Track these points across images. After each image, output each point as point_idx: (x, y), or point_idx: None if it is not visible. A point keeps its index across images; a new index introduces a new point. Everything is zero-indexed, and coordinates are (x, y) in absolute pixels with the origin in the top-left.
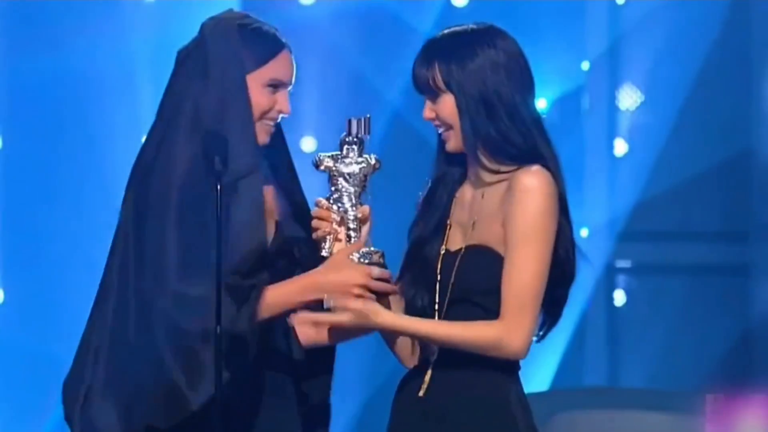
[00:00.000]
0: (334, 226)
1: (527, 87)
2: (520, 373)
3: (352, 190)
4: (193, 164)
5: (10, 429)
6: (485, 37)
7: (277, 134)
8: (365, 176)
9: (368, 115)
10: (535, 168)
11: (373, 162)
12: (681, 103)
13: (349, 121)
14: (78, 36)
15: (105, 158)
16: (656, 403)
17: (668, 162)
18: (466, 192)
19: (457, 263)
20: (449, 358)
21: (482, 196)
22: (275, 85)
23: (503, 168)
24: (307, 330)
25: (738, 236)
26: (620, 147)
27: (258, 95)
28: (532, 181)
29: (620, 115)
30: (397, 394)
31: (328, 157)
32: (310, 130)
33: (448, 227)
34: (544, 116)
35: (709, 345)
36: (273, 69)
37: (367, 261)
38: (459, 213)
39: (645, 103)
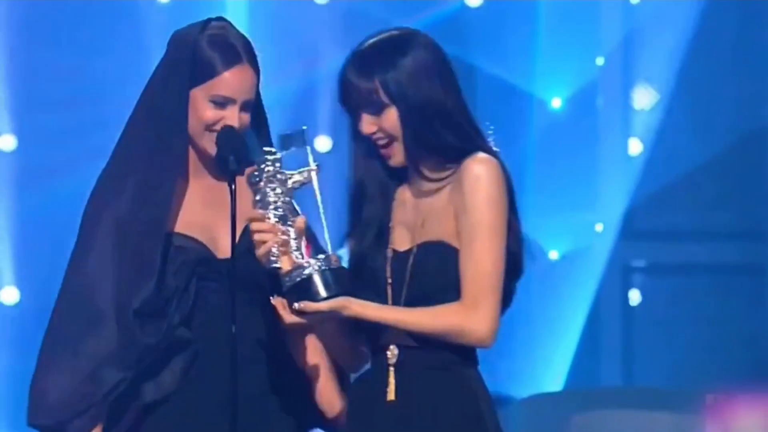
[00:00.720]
0: (280, 237)
1: (456, 86)
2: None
3: (288, 200)
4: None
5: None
6: (413, 41)
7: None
8: (302, 185)
9: (304, 127)
10: (482, 155)
11: (315, 169)
12: (697, 101)
13: (283, 138)
14: (94, 36)
15: None
16: (669, 403)
17: (684, 160)
18: (407, 192)
19: (410, 263)
20: (412, 358)
21: (429, 194)
22: (220, 102)
23: (445, 174)
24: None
25: (755, 235)
26: (635, 145)
27: (203, 109)
28: (481, 168)
29: (635, 114)
30: (354, 401)
31: (265, 173)
32: (324, 130)
33: (391, 229)
34: (558, 113)
35: (726, 345)
36: (218, 85)
37: (327, 266)
38: (401, 214)
39: (660, 100)
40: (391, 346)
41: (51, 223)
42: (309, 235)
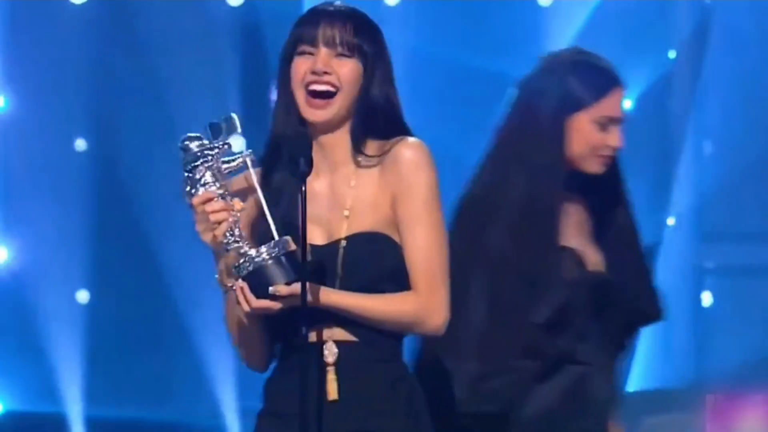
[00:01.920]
0: (235, 215)
1: (389, 65)
2: None
3: (225, 185)
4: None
5: (97, 429)
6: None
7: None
8: (236, 172)
9: (233, 114)
10: (413, 139)
11: (249, 156)
12: None
13: (212, 126)
14: (166, 39)
15: None
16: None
17: (756, 161)
18: (316, 184)
19: (341, 256)
20: (351, 354)
21: (351, 184)
22: (605, 123)
23: (370, 160)
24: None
25: None
26: (708, 146)
27: (588, 132)
28: (417, 153)
29: (707, 114)
30: (283, 402)
31: (202, 157)
32: None
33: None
34: (629, 114)
35: None
36: (604, 107)
37: (286, 249)
38: (311, 208)
39: (733, 99)
40: (329, 344)
41: (123, 224)
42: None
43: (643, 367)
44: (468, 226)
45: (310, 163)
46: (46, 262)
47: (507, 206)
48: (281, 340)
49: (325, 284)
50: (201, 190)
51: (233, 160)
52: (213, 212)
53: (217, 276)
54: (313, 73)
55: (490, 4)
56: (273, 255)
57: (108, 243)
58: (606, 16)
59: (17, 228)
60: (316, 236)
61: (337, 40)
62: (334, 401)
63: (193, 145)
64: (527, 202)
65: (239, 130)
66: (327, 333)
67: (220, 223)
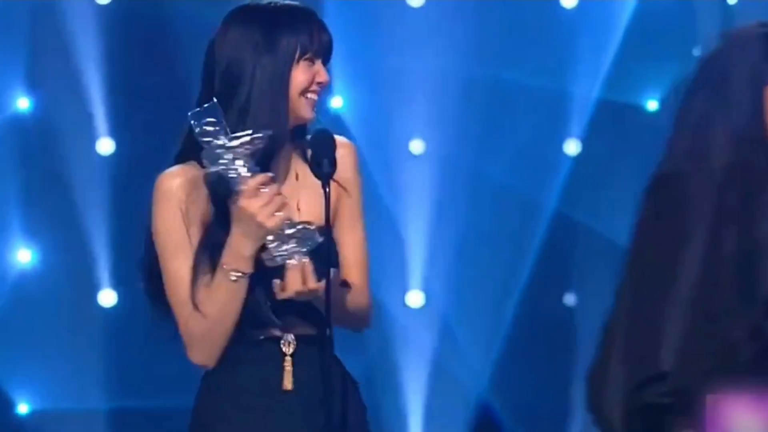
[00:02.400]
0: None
1: None
2: None
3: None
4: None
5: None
6: None
7: None
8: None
9: (215, 100)
10: (344, 138)
11: (261, 135)
12: None
13: (196, 114)
14: (189, 38)
15: None
16: None
17: None
18: (282, 170)
19: None
20: (308, 348)
21: (296, 177)
22: None
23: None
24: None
25: None
26: None
27: None
28: (353, 152)
29: None
30: (243, 390)
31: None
32: (418, 133)
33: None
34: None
35: None
36: None
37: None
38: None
39: None
40: (288, 336)
41: (148, 225)
42: None
43: None
44: (672, 202)
45: (333, 164)
46: (70, 263)
47: (715, 178)
48: (248, 331)
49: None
50: (249, 174)
51: (260, 141)
52: (277, 193)
53: (227, 262)
54: (319, 83)
55: (514, 5)
56: (314, 245)
57: (132, 243)
58: (630, 17)
59: (41, 230)
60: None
61: (331, 53)
62: (287, 391)
63: (216, 132)
64: (738, 172)
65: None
66: (287, 327)
67: (285, 203)
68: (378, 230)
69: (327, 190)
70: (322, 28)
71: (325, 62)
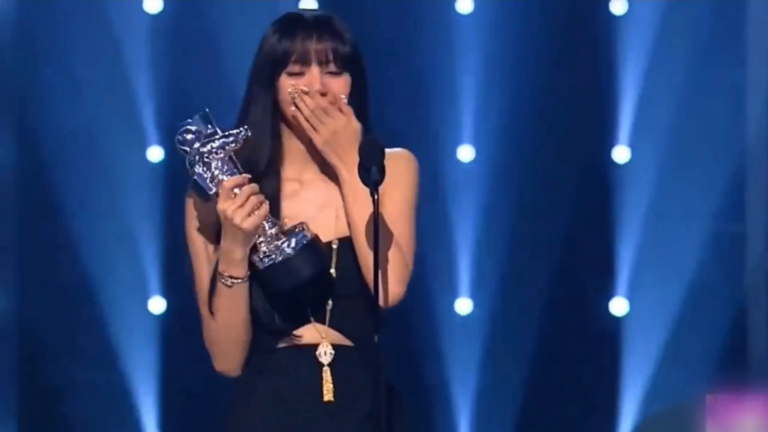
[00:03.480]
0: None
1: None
2: None
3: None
4: None
5: None
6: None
7: None
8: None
9: (206, 110)
10: (403, 151)
11: (246, 133)
12: None
13: (202, 116)
14: (239, 46)
15: None
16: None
17: None
18: (294, 183)
19: (334, 257)
20: (346, 357)
21: (331, 184)
22: None
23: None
24: None
25: None
26: None
27: None
28: (408, 162)
29: None
30: (278, 399)
31: (210, 148)
32: (468, 139)
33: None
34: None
35: None
36: None
37: (308, 237)
38: (302, 207)
39: None
40: (324, 345)
41: None
42: None
43: None
44: None
45: (382, 172)
46: (118, 271)
47: None
48: (276, 341)
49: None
50: (226, 177)
51: (233, 142)
52: (254, 194)
53: (222, 268)
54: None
55: (563, 12)
56: (300, 243)
57: (182, 251)
58: (678, 24)
59: (93, 237)
60: (331, 231)
61: (330, 57)
62: (329, 402)
63: (193, 139)
64: None
65: (214, 124)
66: (323, 335)
67: (260, 204)
68: (427, 237)
69: (375, 197)
70: (322, 34)
71: (325, 68)
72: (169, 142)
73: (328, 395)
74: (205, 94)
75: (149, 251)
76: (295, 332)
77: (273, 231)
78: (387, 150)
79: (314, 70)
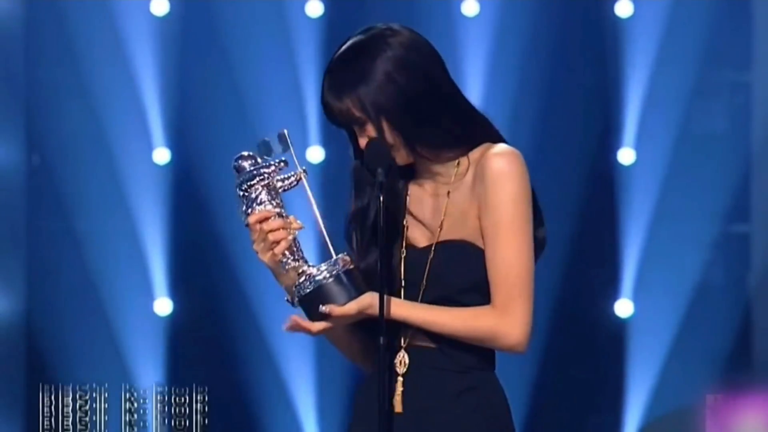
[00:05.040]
0: (294, 233)
1: (441, 70)
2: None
3: (280, 203)
4: None
5: None
6: (379, 42)
7: None
8: (289, 189)
9: (285, 131)
10: (504, 147)
11: (303, 172)
12: None
13: (264, 143)
14: (245, 49)
15: None
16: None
17: None
18: (419, 189)
19: (429, 262)
20: (424, 361)
21: (447, 194)
22: None
23: (458, 165)
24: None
25: None
26: None
27: None
28: (504, 162)
29: None
30: (359, 407)
31: (258, 176)
32: None
33: (405, 227)
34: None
35: None
36: None
37: (341, 269)
38: (417, 210)
39: None
40: (401, 354)
41: (204, 235)
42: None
43: None
44: None
45: (388, 174)
46: (125, 273)
47: None
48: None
49: (397, 294)
50: (258, 209)
51: (287, 178)
52: (271, 231)
53: (287, 297)
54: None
55: (569, 15)
56: (333, 273)
57: (188, 252)
58: (683, 26)
59: (99, 238)
60: (418, 238)
61: (347, 121)
62: (399, 414)
63: (247, 164)
64: None
65: (291, 147)
66: (407, 338)
67: (278, 242)
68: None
69: (381, 199)
70: (327, 108)
71: (357, 129)
72: (175, 143)
73: (397, 407)
74: (212, 96)
75: (155, 253)
76: (380, 341)
77: (296, 264)
78: (482, 147)
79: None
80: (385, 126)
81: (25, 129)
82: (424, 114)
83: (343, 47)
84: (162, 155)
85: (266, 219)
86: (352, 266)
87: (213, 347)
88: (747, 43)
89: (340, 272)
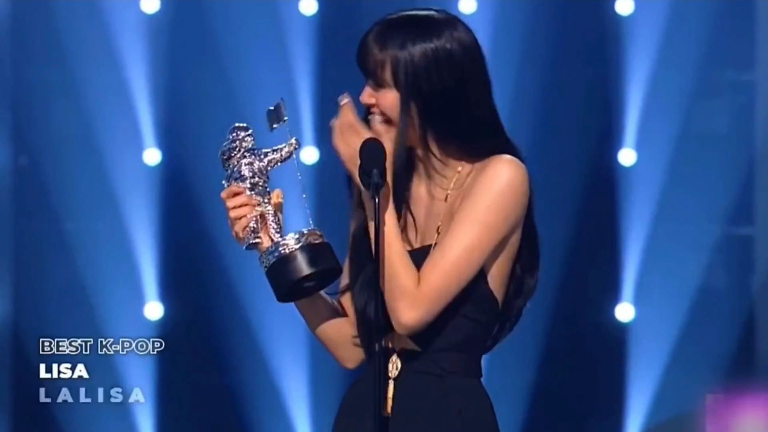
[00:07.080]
0: (258, 210)
1: (482, 82)
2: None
3: (264, 175)
4: None
5: None
6: (444, 28)
7: None
8: (281, 162)
9: (282, 99)
10: (509, 157)
11: (294, 144)
12: None
13: (270, 112)
14: (238, 51)
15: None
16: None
17: None
18: (421, 189)
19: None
20: (411, 364)
21: (445, 198)
22: None
23: (461, 171)
24: None
25: None
26: None
27: None
28: (503, 168)
29: None
30: (346, 404)
31: (239, 147)
32: None
33: (406, 227)
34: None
35: None
36: None
37: (309, 241)
38: (415, 210)
39: None
40: (395, 358)
41: (195, 238)
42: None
43: None
44: None
45: (383, 175)
46: (115, 276)
47: None
48: (363, 347)
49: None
50: (233, 184)
51: (279, 150)
52: (234, 207)
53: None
54: (363, 103)
55: (568, 13)
56: (299, 244)
57: (179, 254)
58: (685, 24)
59: (88, 240)
60: (411, 239)
61: (368, 71)
62: (388, 417)
63: (231, 136)
64: None
65: (285, 117)
66: (395, 342)
67: (240, 218)
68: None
69: (377, 200)
70: (362, 47)
71: (371, 82)
72: (166, 144)
73: (387, 410)
74: (203, 96)
75: (146, 256)
76: (372, 338)
77: (257, 241)
78: (490, 158)
79: (367, 83)
80: (401, 99)
81: (12, 129)
82: (445, 113)
83: (414, 11)
84: (152, 156)
85: (235, 194)
86: (321, 240)
87: (204, 351)
88: (750, 42)
89: (306, 244)
